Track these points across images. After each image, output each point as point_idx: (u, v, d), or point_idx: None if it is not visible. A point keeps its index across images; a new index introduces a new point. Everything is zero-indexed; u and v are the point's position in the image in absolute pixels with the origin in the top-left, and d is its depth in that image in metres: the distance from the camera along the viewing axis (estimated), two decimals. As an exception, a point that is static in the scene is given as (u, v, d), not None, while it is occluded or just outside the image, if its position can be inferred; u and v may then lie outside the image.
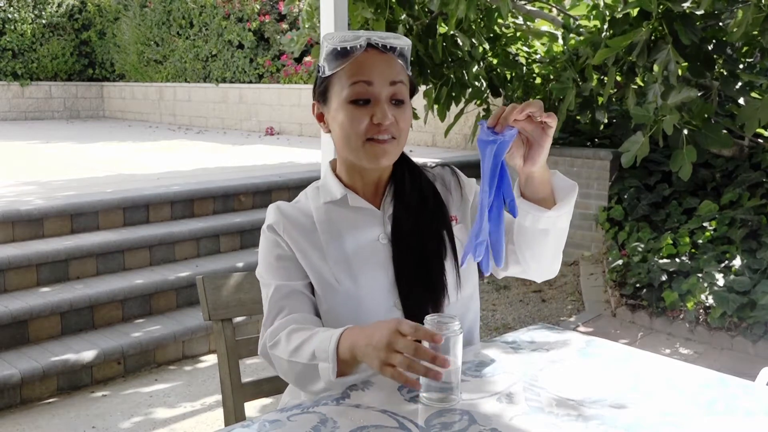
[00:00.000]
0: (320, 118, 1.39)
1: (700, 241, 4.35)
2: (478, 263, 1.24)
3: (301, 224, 1.39)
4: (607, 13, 4.49)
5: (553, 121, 1.19)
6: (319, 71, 1.36)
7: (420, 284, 1.35)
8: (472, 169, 6.43)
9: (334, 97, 1.33)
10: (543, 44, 5.66)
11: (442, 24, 4.87)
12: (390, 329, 1.10)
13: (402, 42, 1.34)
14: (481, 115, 5.56)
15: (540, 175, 1.26)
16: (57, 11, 12.77)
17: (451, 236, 1.40)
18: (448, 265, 1.37)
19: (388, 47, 1.32)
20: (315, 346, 1.22)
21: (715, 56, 4.19)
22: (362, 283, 1.34)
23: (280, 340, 1.29)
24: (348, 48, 1.30)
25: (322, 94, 1.36)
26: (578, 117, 5.19)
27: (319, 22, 3.96)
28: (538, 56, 5.72)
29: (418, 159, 1.46)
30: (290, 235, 1.37)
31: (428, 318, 1.15)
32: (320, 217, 1.39)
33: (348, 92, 1.30)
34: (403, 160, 1.43)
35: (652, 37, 3.93)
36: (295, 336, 1.27)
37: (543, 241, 1.33)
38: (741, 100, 4.47)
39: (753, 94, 4.32)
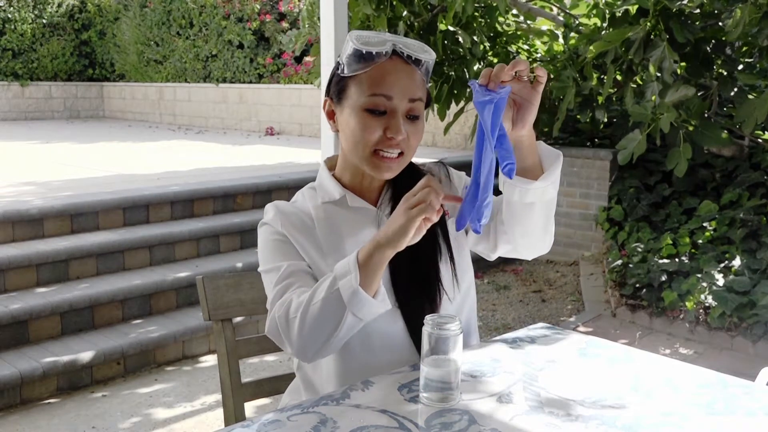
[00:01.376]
0: (330, 115, 1.38)
1: (700, 241, 4.35)
2: (471, 236, 1.21)
3: (300, 221, 1.38)
4: (607, 12, 4.50)
5: (543, 75, 1.17)
6: (337, 68, 1.34)
7: (416, 284, 1.35)
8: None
9: (349, 99, 1.31)
10: (544, 43, 5.66)
11: (443, 21, 4.87)
12: (403, 197, 1.16)
13: (427, 56, 1.32)
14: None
15: (528, 139, 1.25)
16: (57, 11, 12.76)
17: (446, 234, 1.40)
18: (443, 263, 1.38)
19: (413, 59, 1.30)
20: (334, 273, 1.21)
21: (713, 56, 4.19)
22: None
23: (291, 302, 1.25)
24: (374, 53, 1.27)
25: (337, 93, 1.34)
26: (578, 116, 5.19)
27: (319, 20, 3.95)
28: (538, 55, 5.72)
29: (416, 159, 1.46)
30: (289, 231, 1.36)
31: (428, 318, 1.15)
32: (319, 215, 1.38)
33: (366, 101, 1.29)
34: None
35: (650, 35, 3.94)
36: (307, 293, 1.24)
37: (530, 214, 1.31)
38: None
39: (750, 96, 4.32)
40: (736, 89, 4.33)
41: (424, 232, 1.16)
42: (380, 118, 1.29)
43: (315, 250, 1.35)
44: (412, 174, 1.42)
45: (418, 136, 1.32)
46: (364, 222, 1.38)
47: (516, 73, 1.16)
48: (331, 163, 1.45)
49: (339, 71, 1.33)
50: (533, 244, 1.38)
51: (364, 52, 1.28)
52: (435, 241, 1.38)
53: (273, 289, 1.32)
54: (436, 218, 1.14)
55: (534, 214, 1.31)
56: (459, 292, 1.40)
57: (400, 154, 1.31)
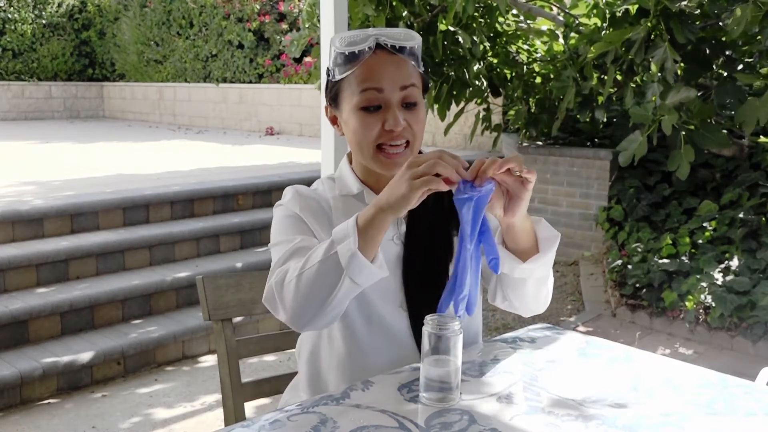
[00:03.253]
0: (334, 120, 1.38)
1: (700, 241, 4.35)
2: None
3: (319, 208, 1.38)
4: (607, 12, 4.50)
5: (532, 177, 1.17)
6: (328, 74, 1.35)
7: (426, 287, 1.34)
8: (472, 169, 6.42)
9: (345, 102, 1.32)
10: (544, 43, 5.66)
11: (443, 21, 4.87)
12: (407, 163, 1.12)
13: (412, 41, 1.31)
14: (481, 114, 5.56)
15: (520, 224, 1.25)
16: (57, 11, 12.76)
17: None
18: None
19: (398, 48, 1.30)
20: (332, 237, 1.17)
21: (713, 57, 4.19)
22: (371, 284, 1.33)
23: (289, 267, 1.22)
24: (356, 52, 1.28)
25: (333, 98, 1.35)
26: (578, 116, 5.20)
27: (319, 21, 3.95)
28: (538, 55, 5.72)
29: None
30: (305, 215, 1.36)
31: (428, 318, 1.15)
32: (337, 205, 1.38)
33: (358, 99, 1.28)
34: None
35: (651, 36, 3.93)
36: (304, 258, 1.21)
37: (522, 286, 1.34)
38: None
39: (750, 99, 4.31)
40: (734, 90, 4.32)
41: (425, 197, 1.12)
42: (377, 114, 1.29)
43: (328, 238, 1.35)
44: None
45: (419, 123, 1.32)
46: None
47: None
48: (351, 157, 1.44)
49: (330, 77, 1.34)
50: (528, 307, 1.40)
51: (347, 53, 1.28)
52: (449, 244, 1.37)
53: (278, 255, 1.29)
54: (444, 188, 1.11)
55: (526, 286, 1.34)
56: None
57: (407, 144, 1.30)
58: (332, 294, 1.15)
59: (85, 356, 3.41)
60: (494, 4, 4.92)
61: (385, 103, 1.28)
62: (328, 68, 1.36)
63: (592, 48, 4.10)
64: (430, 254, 1.36)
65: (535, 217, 1.31)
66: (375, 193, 1.38)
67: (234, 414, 1.54)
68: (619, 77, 4.38)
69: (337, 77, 1.32)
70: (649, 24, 3.85)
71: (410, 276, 1.35)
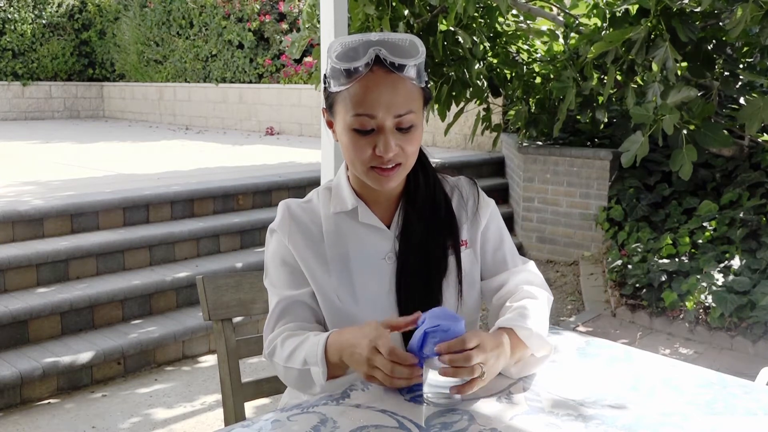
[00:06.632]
0: (330, 125, 1.37)
1: (700, 241, 4.35)
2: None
3: (309, 231, 1.37)
4: (607, 12, 4.49)
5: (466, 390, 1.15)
6: (325, 82, 1.33)
7: (420, 306, 1.31)
8: (471, 168, 6.43)
9: (338, 115, 1.29)
10: (544, 43, 5.66)
11: (443, 22, 4.87)
12: (369, 346, 1.13)
13: (414, 58, 1.25)
14: (481, 114, 5.55)
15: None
16: (57, 11, 12.76)
17: (458, 253, 1.37)
18: (449, 286, 1.36)
19: (396, 65, 1.24)
20: (306, 351, 1.24)
21: (714, 56, 4.19)
22: (364, 304, 1.33)
23: (276, 347, 1.31)
24: (351, 69, 1.24)
25: (329, 107, 1.33)
26: (578, 116, 5.19)
27: (319, 22, 3.95)
28: (538, 55, 5.72)
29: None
30: (295, 244, 1.36)
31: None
32: (329, 227, 1.37)
33: (351, 121, 1.25)
34: (420, 166, 1.38)
35: (651, 35, 3.93)
36: (288, 342, 1.29)
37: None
38: (741, 100, 4.47)
39: (753, 94, 4.31)
40: (738, 86, 4.31)
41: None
42: (369, 136, 1.26)
43: (319, 265, 1.35)
44: (427, 182, 1.39)
45: (414, 144, 1.28)
46: (373, 240, 1.36)
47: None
48: None
49: (326, 86, 1.32)
50: None
51: (342, 69, 1.25)
52: (444, 260, 1.36)
53: (269, 314, 1.38)
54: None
55: None
56: (463, 313, 1.38)
57: (397, 164, 1.28)
58: (313, 388, 1.25)
59: (85, 356, 3.41)
60: (494, 5, 4.92)
61: (378, 126, 1.25)
62: (324, 74, 1.33)
63: (592, 48, 4.09)
64: (424, 273, 1.35)
65: (527, 329, 1.23)
66: (369, 208, 1.37)
67: (234, 414, 1.54)
68: (619, 77, 4.37)
69: (332, 89, 1.28)
70: (649, 24, 3.85)
71: (403, 297, 1.34)
